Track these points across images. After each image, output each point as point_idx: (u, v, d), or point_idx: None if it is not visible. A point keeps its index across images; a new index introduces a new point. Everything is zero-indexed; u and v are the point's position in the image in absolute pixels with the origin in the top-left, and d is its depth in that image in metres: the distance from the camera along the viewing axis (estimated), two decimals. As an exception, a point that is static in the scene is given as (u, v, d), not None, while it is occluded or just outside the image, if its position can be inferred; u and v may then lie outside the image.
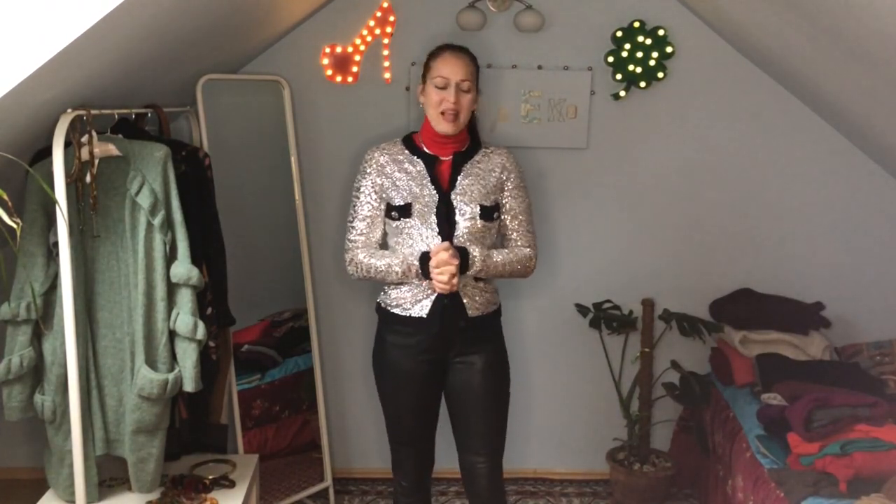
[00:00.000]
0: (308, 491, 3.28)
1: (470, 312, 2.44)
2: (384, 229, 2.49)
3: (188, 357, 2.32)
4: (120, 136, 2.33)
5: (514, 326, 3.36)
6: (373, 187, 2.45)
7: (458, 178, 2.44)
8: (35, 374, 2.31)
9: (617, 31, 3.17)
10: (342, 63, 3.16)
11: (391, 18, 3.12)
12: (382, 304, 2.52)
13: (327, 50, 3.15)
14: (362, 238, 2.47)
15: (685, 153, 3.32)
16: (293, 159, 3.20)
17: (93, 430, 2.32)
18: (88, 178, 2.21)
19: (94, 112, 2.16)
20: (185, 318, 2.30)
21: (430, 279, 2.35)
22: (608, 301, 3.36)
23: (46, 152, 2.18)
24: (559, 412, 3.54)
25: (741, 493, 2.72)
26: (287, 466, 3.31)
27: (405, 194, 2.42)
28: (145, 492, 2.39)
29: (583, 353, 3.46)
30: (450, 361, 2.49)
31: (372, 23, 3.12)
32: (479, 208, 2.42)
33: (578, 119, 3.26)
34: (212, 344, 2.53)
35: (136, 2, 1.77)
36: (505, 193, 2.51)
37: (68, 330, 2.15)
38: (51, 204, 2.20)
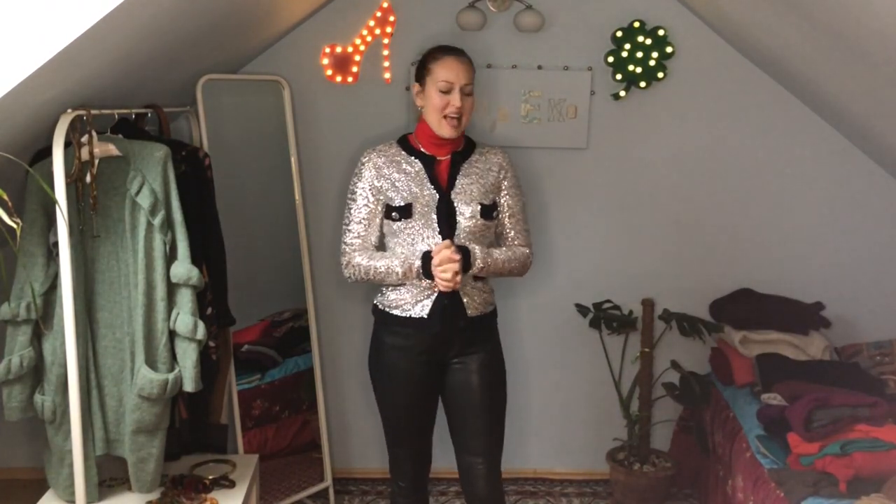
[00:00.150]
0: (308, 491, 3.28)
1: (469, 312, 2.44)
2: (381, 231, 2.49)
3: (188, 357, 2.32)
4: (120, 136, 2.33)
5: (514, 326, 3.36)
6: (370, 189, 2.44)
7: (458, 177, 2.45)
8: (35, 374, 2.31)
9: (617, 31, 3.17)
10: (342, 63, 3.16)
11: (391, 18, 3.12)
12: (380, 306, 2.51)
13: (327, 50, 3.15)
14: (359, 241, 2.46)
15: (685, 153, 3.32)
16: (293, 159, 3.20)
17: (93, 430, 2.32)
18: (88, 178, 2.21)
19: (94, 112, 2.16)
20: (185, 318, 2.30)
21: (432, 279, 2.35)
22: (608, 301, 3.36)
23: (46, 152, 2.18)
24: (559, 412, 3.54)
25: (741, 494, 2.72)
26: (287, 466, 3.30)
27: (405, 195, 2.41)
28: (145, 492, 2.39)
29: (583, 354, 3.46)
30: (447, 362, 2.49)
31: (372, 23, 3.12)
32: (479, 207, 2.42)
33: (578, 119, 3.26)
34: (212, 344, 2.52)
35: (136, 2, 1.77)
36: (502, 192, 2.52)
37: (68, 330, 2.15)
38: (51, 204, 2.20)
